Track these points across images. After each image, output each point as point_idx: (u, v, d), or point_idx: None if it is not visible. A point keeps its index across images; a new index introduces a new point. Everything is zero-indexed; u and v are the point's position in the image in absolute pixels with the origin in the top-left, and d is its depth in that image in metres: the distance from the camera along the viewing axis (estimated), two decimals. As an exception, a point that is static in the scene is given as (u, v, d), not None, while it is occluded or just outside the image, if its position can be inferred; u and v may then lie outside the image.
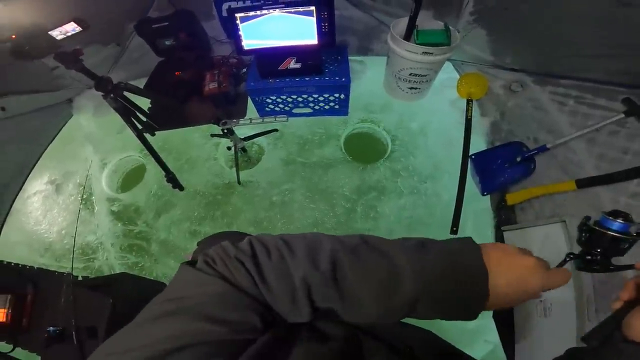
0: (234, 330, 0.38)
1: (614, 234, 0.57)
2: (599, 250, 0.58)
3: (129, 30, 2.17)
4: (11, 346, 1.54)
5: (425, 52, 1.73)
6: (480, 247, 0.45)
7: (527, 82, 1.75)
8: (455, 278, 0.43)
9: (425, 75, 1.91)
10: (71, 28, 1.49)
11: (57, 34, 1.46)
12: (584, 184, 1.41)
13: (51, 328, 1.52)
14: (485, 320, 1.74)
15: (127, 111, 1.80)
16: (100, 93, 1.65)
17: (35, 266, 1.81)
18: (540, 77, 1.69)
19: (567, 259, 0.63)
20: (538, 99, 1.68)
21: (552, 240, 1.52)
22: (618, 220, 0.57)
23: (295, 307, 0.44)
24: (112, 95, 1.65)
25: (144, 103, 2.08)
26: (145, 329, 0.38)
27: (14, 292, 1.61)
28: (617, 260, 0.60)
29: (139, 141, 1.90)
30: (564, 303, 1.41)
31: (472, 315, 0.44)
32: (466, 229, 1.86)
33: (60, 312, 1.60)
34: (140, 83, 2.13)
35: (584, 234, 0.62)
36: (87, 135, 2.58)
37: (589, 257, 0.59)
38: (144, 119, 2.05)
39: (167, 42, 2.15)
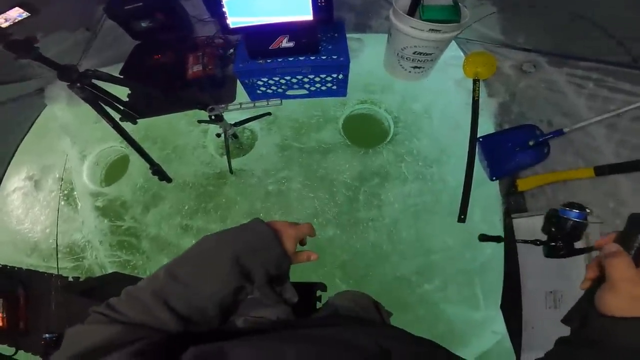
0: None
1: (574, 220, 0.67)
2: (562, 236, 0.68)
3: (99, 13, 1.94)
4: (13, 349, 1.55)
5: (433, 30, 1.58)
6: (266, 222, 0.60)
7: (541, 62, 1.63)
8: (256, 240, 0.57)
9: (431, 54, 1.76)
10: (16, 14, 1.33)
11: (1, 21, 1.29)
12: (603, 171, 1.33)
13: (47, 335, 1.52)
14: (493, 312, 1.72)
15: (98, 101, 1.64)
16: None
17: (24, 267, 1.77)
18: (557, 58, 1.56)
19: (537, 244, 0.78)
20: (553, 81, 1.55)
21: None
22: (574, 210, 0.67)
23: (157, 319, 0.48)
24: (78, 84, 1.50)
25: (123, 89, 1.90)
26: None
27: (5, 295, 1.61)
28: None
29: (118, 131, 1.75)
30: (575, 295, 1.37)
31: (287, 258, 0.58)
32: (474, 216, 1.79)
33: (55, 317, 1.61)
34: (117, 69, 1.93)
35: (552, 223, 0.71)
36: (63, 126, 2.39)
37: (554, 244, 0.69)
38: (122, 108, 1.87)
39: (144, 24, 1.92)
